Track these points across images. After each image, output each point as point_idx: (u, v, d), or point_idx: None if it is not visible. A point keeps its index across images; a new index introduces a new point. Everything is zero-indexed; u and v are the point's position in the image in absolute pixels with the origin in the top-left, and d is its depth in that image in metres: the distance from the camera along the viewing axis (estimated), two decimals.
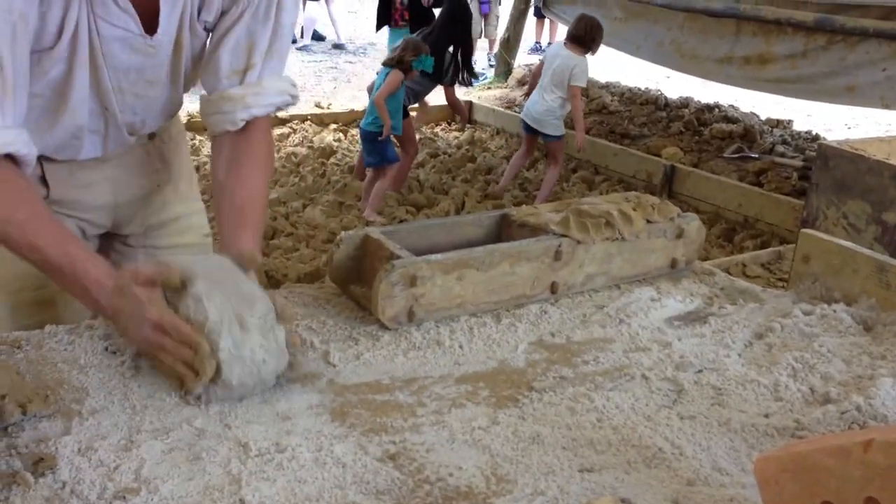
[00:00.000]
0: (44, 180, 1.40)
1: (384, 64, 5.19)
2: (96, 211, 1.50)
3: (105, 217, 1.53)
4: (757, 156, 6.07)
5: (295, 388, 1.13)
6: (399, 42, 5.32)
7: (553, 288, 1.44)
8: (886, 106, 5.13)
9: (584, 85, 5.25)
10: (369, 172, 5.24)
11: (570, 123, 5.53)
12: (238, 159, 1.41)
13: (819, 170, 3.04)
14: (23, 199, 1.21)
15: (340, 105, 7.71)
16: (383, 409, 1.10)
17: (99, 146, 1.41)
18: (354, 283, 1.39)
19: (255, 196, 1.39)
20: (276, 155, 6.16)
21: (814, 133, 6.85)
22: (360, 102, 6.92)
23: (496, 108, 7.36)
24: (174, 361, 1.09)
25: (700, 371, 1.22)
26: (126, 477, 0.92)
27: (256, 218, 1.37)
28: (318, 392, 1.13)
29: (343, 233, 1.40)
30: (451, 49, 6.13)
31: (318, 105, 7.57)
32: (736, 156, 6.09)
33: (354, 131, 6.37)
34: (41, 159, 1.35)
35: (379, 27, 8.31)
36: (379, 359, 1.23)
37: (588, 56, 5.26)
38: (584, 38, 5.18)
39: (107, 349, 1.19)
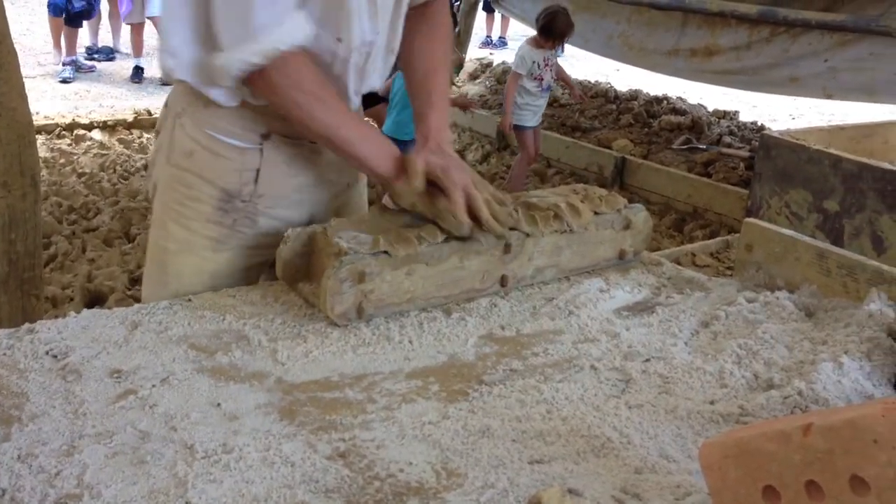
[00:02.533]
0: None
1: None
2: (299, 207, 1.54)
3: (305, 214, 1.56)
4: (705, 147, 6.17)
5: (242, 388, 1.12)
6: None
7: (503, 281, 1.44)
8: (829, 96, 5.24)
9: (517, 70, 5.23)
10: None
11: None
12: (419, 31, 1.55)
13: (762, 160, 3.10)
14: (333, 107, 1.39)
15: None
16: (333, 407, 1.09)
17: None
18: (303, 281, 1.38)
19: (434, 66, 1.53)
20: None
21: (759, 124, 6.97)
22: None
23: None
24: (458, 209, 1.35)
25: (647, 360, 1.24)
26: (68, 483, 0.89)
27: (439, 88, 1.52)
28: (266, 391, 1.12)
29: (290, 230, 1.38)
30: None
31: None
32: (684, 147, 6.18)
33: None
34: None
35: None
36: (328, 356, 1.22)
37: (556, 50, 5.34)
38: (539, 27, 5.24)
39: (48, 353, 1.16)
